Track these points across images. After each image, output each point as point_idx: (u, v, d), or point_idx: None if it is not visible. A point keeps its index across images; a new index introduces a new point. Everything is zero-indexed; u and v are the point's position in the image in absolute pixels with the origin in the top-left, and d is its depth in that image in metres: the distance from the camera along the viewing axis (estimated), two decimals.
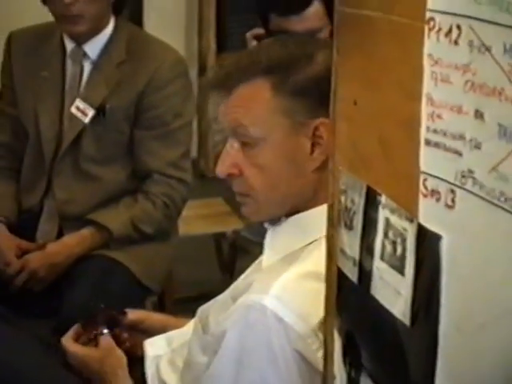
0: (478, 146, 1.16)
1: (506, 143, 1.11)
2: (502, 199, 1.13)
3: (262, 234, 3.38)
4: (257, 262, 2.13)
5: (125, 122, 3.14)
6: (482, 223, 1.17)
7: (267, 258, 2.01)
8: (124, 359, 2.21)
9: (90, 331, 2.24)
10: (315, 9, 3.05)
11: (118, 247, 3.13)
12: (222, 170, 1.95)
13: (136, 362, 2.22)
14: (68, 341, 2.25)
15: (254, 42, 3.05)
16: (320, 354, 1.79)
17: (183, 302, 3.75)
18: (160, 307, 3.63)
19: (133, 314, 2.36)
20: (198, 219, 3.57)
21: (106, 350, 2.22)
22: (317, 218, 1.90)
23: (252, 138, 1.90)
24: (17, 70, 3.22)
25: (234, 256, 4.22)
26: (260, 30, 3.08)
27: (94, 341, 2.23)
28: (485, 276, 1.19)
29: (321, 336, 1.78)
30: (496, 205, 1.14)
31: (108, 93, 3.13)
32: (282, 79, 1.88)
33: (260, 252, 3.41)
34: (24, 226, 3.18)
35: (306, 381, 1.84)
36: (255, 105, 1.90)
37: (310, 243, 1.93)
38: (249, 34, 3.10)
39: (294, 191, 1.95)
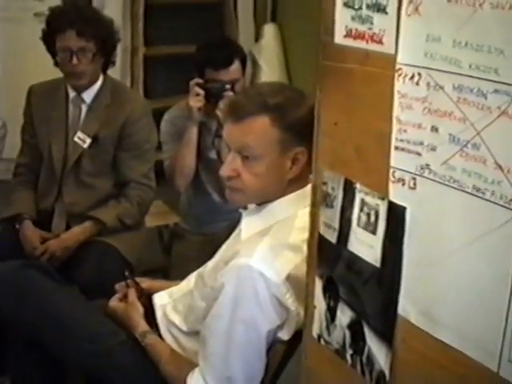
0: (433, 149, 1.29)
1: (455, 146, 1.24)
2: (451, 181, 1.26)
3: (194, 225, 3.49)
4: (233, 237, 2.20)
5: (111, 147, 3.16)
6: (436, 197, 1.29)
7: (245, 233, 2.07)
8: (141, 309, 2.27)
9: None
10: (236, 66, 3.19)
11: (109, 235, 3.13)
12: (225, 172, 2.02)
13: (149, 311, 2.29)
14: (112, 299, 2.32)
15: (196, 87, 3.15)
16: (288, 296, 1.92)
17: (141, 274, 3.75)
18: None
19: (145, 283, 2.42)
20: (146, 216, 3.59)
21: (129, 304, 2.28)
22: (279, 206, 2.04)
23: (253, 155, 1.97)
24: (35, 112, 3.22)
25: (171, 242, 4.23)
26: (199, 80, 3.17)
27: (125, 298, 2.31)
28: (437, 231, 1.30)
29: (288, 284, 1.91)
30: (446, 185, 1.27)
31: (99, 126, 3.14)
32: (280, 117, 1.95)
33: (191, 238, 3.50)
34: (41, 222, 3.17)
35: (279, 315, 1.94)
36: (260, 134, 1.96)
37: (275, 223, 2.02)
38: (192, 82, 3.18)
39: (273, 191, 2.03)
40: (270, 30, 5.89)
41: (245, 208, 2.14)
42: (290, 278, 1.91)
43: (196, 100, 3.16)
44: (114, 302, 2.30)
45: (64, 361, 2.35)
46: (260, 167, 1.98)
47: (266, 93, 2.01)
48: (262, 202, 2.06)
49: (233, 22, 5.89)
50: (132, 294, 2.30)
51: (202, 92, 3.15)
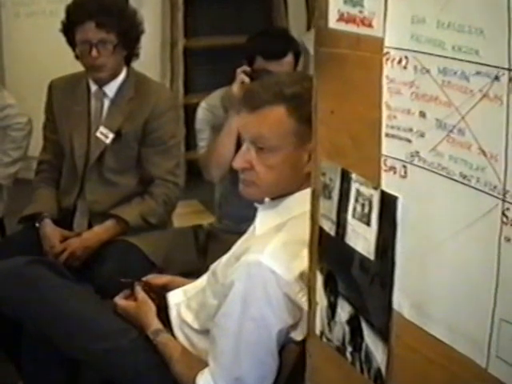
0: (422, 135, 1.31)
1: (442, 131, 1.27)
2: (440, 168, 1.28)
3: (230, 224, 3.50)
4: (248, 232, 2.22)
5: (135, 142, 3.21)
6: (426, 185, 1.31)
7: (259, 228, 2.10)
8: (153, 307, 2.32)
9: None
10: (289, 59, 3.20)
11: (133, 234, 3.17)
12: (238, 164, 2.04)
13: (162, 310, 2.34)
14: (118, 298, 2.38)
15: (242, 75, 3.16)
16: (300, 295, 1.93)
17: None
18: None
19: (164, 279, 2.48)
20: (180, 216, 3.63)
21: (141, 302, 2.33)
22: (296, 200, 2.05)
23: (268, 146, 1.98)
24: (56, 107, 3.29)
25: (207, 242, 4.27)
26: (246, 68, 3.19)
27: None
28: (427, 221, 1.33)
29: (301, 283, 1.92)
30: (435, 172, 1.29)
31: (122, 121, 3.19)
32: (296, 108, 1.95)
33: (227, 239, 3.52)
34: (63, 221, 3.23)
35: (291, 314, 1.96)
36: (276, 124, 1.97)
37: (290, 218, 2.04)
38: (239, 70, 3.18)
39: (288, 184, 2.05)
40: None
41: (261, 202, 2.17)
42: (303, 277, 1.91)
43: (241, 88, 3.15)
44: (123, 301, 2.36)
45: (75, 359, 2.41)
46: (275, 159, 2.00)
47: (283, 82, 2.03)
48: (278, 196, 2.09)
49: (282, 10, 5.90)
50: (141, 292, 2.34)
51: (247, 80, 3.14)
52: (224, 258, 2.23)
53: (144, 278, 2.44)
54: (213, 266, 2.28)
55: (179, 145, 3.38)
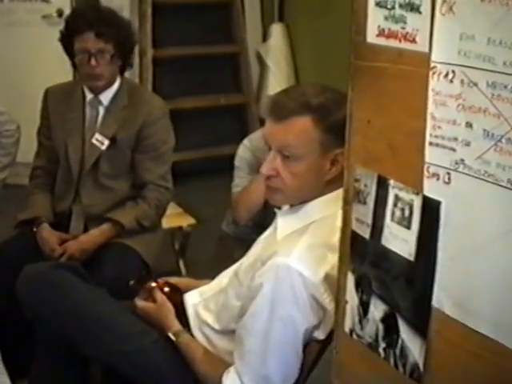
0: (468, 144, 1.36)
1: (489, 141, 1.32)
2: (486, 175, 1.33)
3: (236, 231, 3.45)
4: (267, 236, 2.26)
5: (128, 149, 3.23)
6: (471, 191, 1.36)
7: (280, 232, 2.13)
8: (172, 308, 2.34)
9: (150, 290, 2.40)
10: None
11: (128, 237, 3.19)
12: (266, 171, 2.07)
13: (178, 310, 2.35)
14: (138, 299, 2.39)
15: None
16: (325, 295, 1.99)
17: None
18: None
19: (172, 280, 2.49)
20: None
21: (160, 303, 2.35)
22: (316, 206, 2.10)
23: (294, 155, 2.02)
24: (52, 114, 3.28)
25: (186, 244, 4.29)
26: None
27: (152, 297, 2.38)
28: (472, 224, 1.37)
29: (326, 284, 1.98)
30: (481, 179, 1.34)
31: (117, 128, 3.21)
32: (322, 118, 2.00)
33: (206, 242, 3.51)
34: (59, 225, 3.23)
35: (315, 314, 2.01)
36: (302, 134, 2.01)
37: (312, 223, 2.08)
38: None
39: (310, 191, 2.09)
40: (277, 30, 6.00)
41: (279, 208, 2.21)
42: (327, 278, 1.97)
43: None
44: (143, 302, 2.37)
45: (97, 360, 2.42)
46: (300, 167, 2.04)
47: (308, 93, 2.06)
48: (299, 202, 2.13)
49: (240, 22, 5.99)
50: (159, 294, 2.36)
51: None
52: (246, 261, 2.25)
53: (161, 279, 2.45)
54: (234, 268, 2.31)
55: (170, 151, 3.39)
